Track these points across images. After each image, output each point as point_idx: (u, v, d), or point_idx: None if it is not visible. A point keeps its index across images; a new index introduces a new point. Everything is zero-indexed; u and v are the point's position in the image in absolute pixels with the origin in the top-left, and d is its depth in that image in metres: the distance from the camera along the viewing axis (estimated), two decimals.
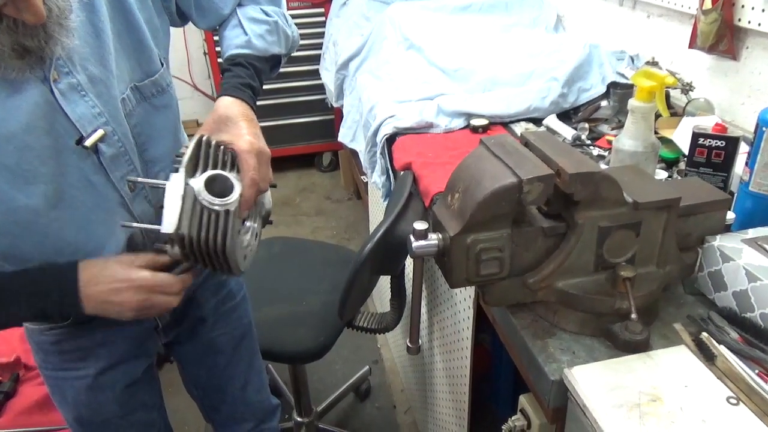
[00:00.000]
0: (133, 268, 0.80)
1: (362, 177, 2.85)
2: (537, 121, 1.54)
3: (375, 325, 1.43)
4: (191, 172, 0.80)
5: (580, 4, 2.02)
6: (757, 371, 0.70)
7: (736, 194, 0.98)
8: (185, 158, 0.79)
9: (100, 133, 0.78)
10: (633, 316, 0.76)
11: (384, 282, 1.90)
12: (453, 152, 1.40)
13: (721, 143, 1.02)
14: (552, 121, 1.51)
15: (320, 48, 2.83)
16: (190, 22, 1.00)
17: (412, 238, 0.79)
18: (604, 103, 1.56)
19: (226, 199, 0.80)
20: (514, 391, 1.40)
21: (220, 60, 0.88)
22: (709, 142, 1.03)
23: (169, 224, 0.77)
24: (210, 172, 0.81)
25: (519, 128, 1.51)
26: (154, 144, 0.89)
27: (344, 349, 2.25)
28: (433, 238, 0.79)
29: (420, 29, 1.94)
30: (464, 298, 1.18)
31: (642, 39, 1.71)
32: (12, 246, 0.78)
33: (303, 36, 0.97)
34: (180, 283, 0.84)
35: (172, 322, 1.05)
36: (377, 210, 2.12)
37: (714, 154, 1.03)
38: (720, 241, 0.84)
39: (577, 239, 0.78)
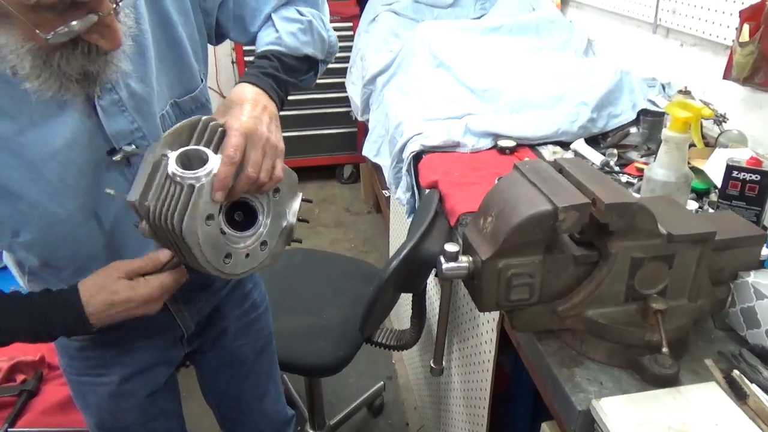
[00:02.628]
0: (135, 283, 0.79)
1: (384, 191, 2.86)
2: (565, 145, 1.53)
3: (394, 342, 1.43)
4: (172, 145, 0.74)
5: (611, 30, 2.02)
6: None
7: None
8: (169, 130, 0.75)
9: (130, 149, 0.79)
10: (664, 349, 0.75)
11: (403, 299, 1.90)
12: (479, 172, 1.40)
13: (756, 177, 1.01)
14: (580, 145, 1.51)
15: (347, 62, 2.86)
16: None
17: (442, 259, 0.80)
18: (633, 129, 1.56)
19: (193, 171, 0.71)
20: (533, 415, 1.38)
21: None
22: (744, 175, 1.02)
23: (134, 192, 0.73)
24: (188, 147, 0.74)
25: (546, 151, 1.51)
26: None
27: (359, 363, 2.24)
28: (464, 261, 0.79)
29: (449, 48, 1.95)
30: (487, 320, 1.17)
31: (674, 67, 1.70)
32: (50, 256, 0.80)
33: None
34: (157, 290, 0.80)
35: (197, 332, 1.06)
36: (399, 226, 2.12)
37: (748, 188, 1.02)
38: (754, 278, 0.83)
39: (609, 269, 0.78)
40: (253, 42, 0.99)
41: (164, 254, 0.81)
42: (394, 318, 2.36)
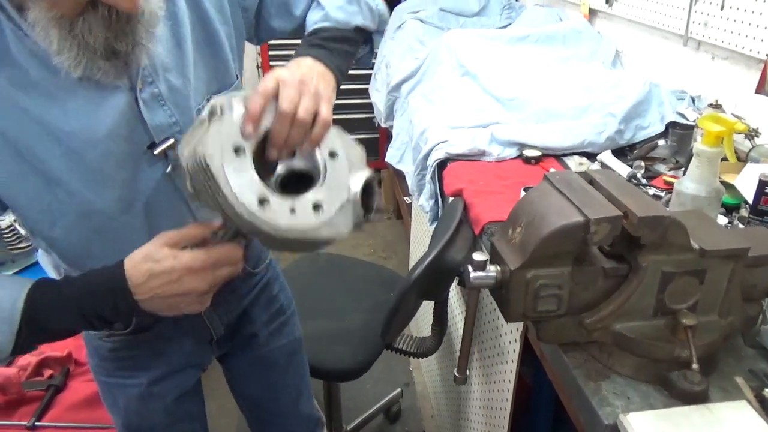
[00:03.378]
0: (175, 254, 0.71)
1: (405, 198, 2.87)
2: (591, 156, 1.52)
3: (414, 348, 1.43)
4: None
5: (640, 41, 2.00)
6: None
7: None
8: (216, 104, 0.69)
9: (171, 141, 0.80)
10: (695, 366, 0.74)
11: (430, 307, 1.89)
12: (505, 182, 1.40)
13: None
14: (607, 156, 1.50)
15: (371, 68, 2.88)
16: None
17: (470, 268, 0.80)
18: (661, 142, 1.54)
19: (218, 99, 0.68)
20: (553, 428, 1.37)
21: None
22: None
23: (182, 147, 0.69)
24: (223, 95, 0.71)
25: (572, 162, 1.50)
26: None
27: (376, 369, 2.22)
28: (492, 270, 0.79)
29: (476, 57, 1.95)
30: (510, 330, 1.17)
31: (704, 80, 1.68)
32: (83, 249, 0.81)
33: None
34: (200, 261, 0.71)
35: (227, 335, 1.07)
36: (420, 233, 2.12)
37: None
38: None
39: (639, 282, 0.77)
40: (300, 28, 0.98)
41: (214, 223, 0.75)
42: (413, 325, 2.36)
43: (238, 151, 0.66)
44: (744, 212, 1.19)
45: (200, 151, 0.63)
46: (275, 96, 0.70)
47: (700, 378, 0.75)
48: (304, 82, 0.71)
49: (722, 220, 1.17)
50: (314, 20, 0.92)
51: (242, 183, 0.64)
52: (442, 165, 1.53)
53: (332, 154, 0.74)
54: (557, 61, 2.01)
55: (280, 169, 0.73)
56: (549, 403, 1.33)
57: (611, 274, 0.79)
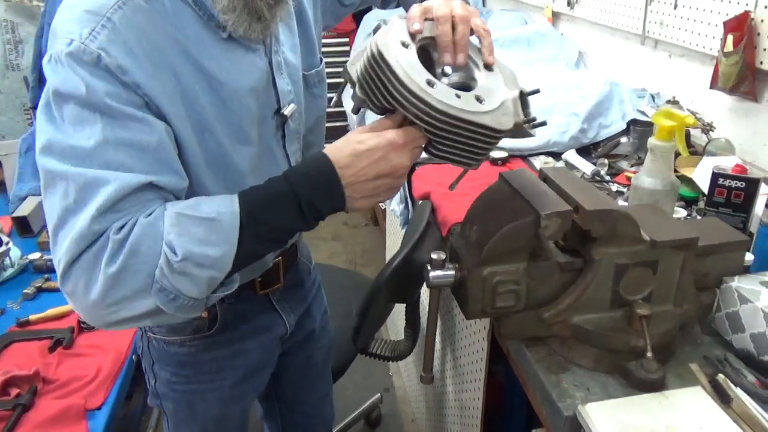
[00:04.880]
0: (377, 132, 0.71)
1: (380, 204, 2.88)
2: (556, 156, 1.55)
3: (389, 352, 1.44)
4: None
5: (601, 42, 2.05)
6: None
7: (755, 235, 0.98)
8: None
9: (293, 107, 0.85)
10: (648, 354, 0.75)
11: (398, 310, 1.90)
12: (472, 183, 1.41)
13: (741, 184, 1.02)
14: (571, 155, 1.52)
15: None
16: None
17: (428, 267, 0.81)
18: (624, 139, 1.57)
19: (378, 22, 0.74)
20: (527, 424, 1.38)
21: None
22: (729, 182, 1.03)
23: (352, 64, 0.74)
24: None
25: (538, 162, 1.53)
26: (309, 129, 0.95)
27: (356, 374, 2.24)
28: (450, 269, 0.80)
29: None
30: (479, 329, 1.18)
31: (663, 78, 1.73)
32: None
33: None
34: (402, 136, 0.70)
35: (293, 331, 1.07)
36: (394, 237, 2.13)
37: (734, 195, 1.03)
38: (738, 283, 0.84)
39: (594, 275, 0.79)
40: (390, 3, 1.07)
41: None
42: (391, 329, 2.36)
43: (404, 45, 0.70)
44: (702, 204, 1.22)
45: (373, 46, 0.68)
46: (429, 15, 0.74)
47: (657, 366, 0.77)
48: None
49: (682, 213, 1.20)
50: None
51: (411, 68, 0.68)
52: (411, 169, 1.54)
53: (488, 67, 0.77)
54: (522, 63, 2.05)
55: (444, 81, 0.75)
56: (522, 401, 1.34)
57: (567, 268, 0.80)
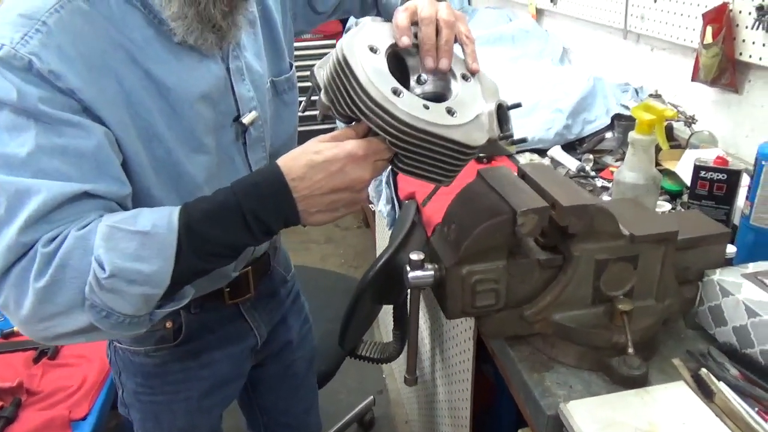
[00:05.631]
0: (336, 143, 0.67)
1: (370, 205, 2.87)
2: (542, 152, 1.54)
3: (378, 354, 1.42)
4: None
5: (585, 37, 2.05)
6: (756, 409, 0.69)
7: (738, 227, 0.98)
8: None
9: (254, 114, 0.83)
10: (630, 350, 0.75)
11: (388, 311, 1.89)
12: (457, 181, 1.41)
13: (723, 176, 1.02)
14: (556, 152, 1.52)
15: None
16: None
17: (408, 268, 0.80)
18: (608, 134, 1.57)
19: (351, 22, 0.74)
20: (517, 423, 1.38)
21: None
22: (711, 174, 1.03)
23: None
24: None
25: (523, 158, 1.52)
26: (277, 137, 0.92)
27: (349, 378, 2.23)
28: (429, 269, 0.79)
29: None
30: (465, 329, 1.17)
31: (646, 72, 1.73)
32: None
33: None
34: (363, 148, 0.67)
35: (267, 342, 1.06)
36: (383, 238, 2.12)
37: (716, 187, 1.03)
38: (720, 275, 0.83)
39: (574, 271, 0.78)
40: (344, 11, 1.06)
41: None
42: (383, 331, 2.35)
43: (372, 50, 0.67)
44: (686, 197, 1.22)
45: (338, 49, 0.66)
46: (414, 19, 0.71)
47: (639, 362, 0.76)
48: (443, 5, 0.73)
49: (666, 206, 1.19)
50: None
51: (377, 75, 0.64)
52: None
53: (465, 77, 0.73)
54: (507, 60, 2.04)
55: (417, 91, 0.71)
56: (511, 400, 1.34)
57: (546, 265, 0.79)
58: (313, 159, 0.66)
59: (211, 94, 0.77)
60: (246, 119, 0.82)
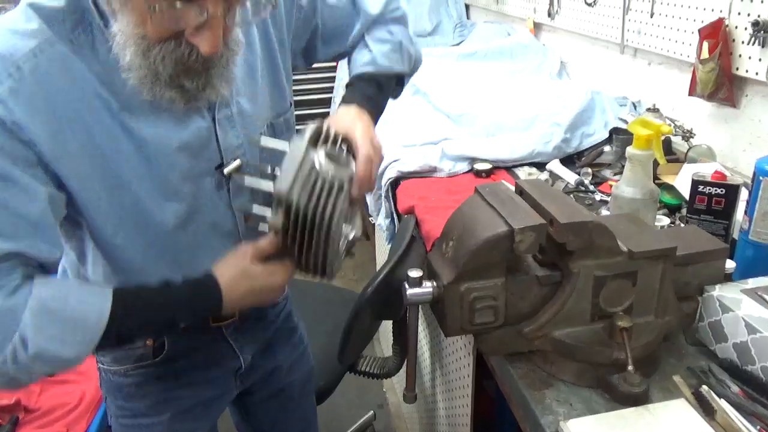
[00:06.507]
0: (272, 268, 0.79)
1: (370, 218, 2.87)
2: (540, 166, 1.55)
3: (377, 370, 1.41)
4: (313, 142, 0.77)
5: (582, 51, 2.06)
6: (758, 427, 0.68)
7: (737, 242, 0.98)
8: (309, 129, 0.78)
9: (237, 163, 0.82)
10: (630, 367, 0.74)
11: (390, 325, 1.88)
12: (456, 196, 1.41)
13: (721, 191, 1.02)
14: (555, 165, 1.52)
15: (332, 91, 2.90)
16: None
17: (406, 285, 0.80)
18: (607, 148, 1.57)
19: (342, 170, 0.76)
20: None
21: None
22: (709, 189, 1.03)
23: (284, 183, 0.73)
24: (330, 147, 0.78)
25: (522, 173, 1.52)
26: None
27: (349, 392, 2.22)
28: (428, 286, 0.79)
29: (426, 75, 1.98)
30: (464, 344, 1.16)
31: (643, 86, 1.73)
32: (139, 263, 0.79)
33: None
34: (287, 276, 0.81)
35: (251, 368, 1.04)
36: (383, 252, 2.12)
37: (714, 202, 1.03)
38: (719, 291, 0.83)
39: (573, 288, 0.78)
40: (340, 58, 1.06)
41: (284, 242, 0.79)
42: (384, 346, 2.34)
43: (345, 218, 0.78)
44: (685, 212, 1.22)
45: (323, 214, 0.74)
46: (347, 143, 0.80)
47: (640, 379, 0.75)
48: (380, 148, 0.84)
49: (664, 220, 1.19)
50: (362, 62, 0.98)
51: (340, 252, 0.80)
52: (395, 183, 1.54)
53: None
54: (506, 74, 2.05)
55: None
56: (512, 416, 1.33)
57: (545, 281, 0.79)
58: (252, 285, 0.78)
59: (192, 144, 0.76)
60: (227, 169, 0.81)
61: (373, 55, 0.98)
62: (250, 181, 0.81)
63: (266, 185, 0.79)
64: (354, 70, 0.99)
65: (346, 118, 0.85)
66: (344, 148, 0.80)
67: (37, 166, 0.65)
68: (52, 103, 0.65)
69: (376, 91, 0.95)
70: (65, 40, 0.66)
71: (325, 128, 0.79)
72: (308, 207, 0.73)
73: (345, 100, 0.91)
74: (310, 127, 0.78)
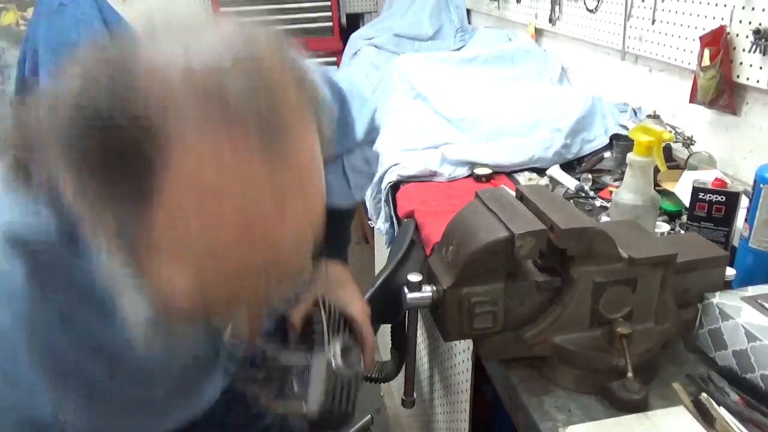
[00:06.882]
0: None
1: (369, 222, 2.87)
2: (540, 171, 1.55)
3: (375, 374, 1.41)
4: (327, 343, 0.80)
5: (583, 58, 2.06)
6: None
7: (737, 249, 0.97)
8: (325, 336, 0.79)
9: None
10: (629, 374, 0.74)
11: (388, 329, 1.88)
12: (456, 201, 1.41)
13: (722, 198, 1.02)
14: (555, 171, 1.52)
15: None
16: None
17: (405, 289, 0.80)
18: (607, 154, 1.57)
19: (355, 367, 0.79)
20: None
21: None
22: (709, 196, 1.03)
23: (315, 403, 0.74)
24: (341, 343, 0.79)
25: (522, 178, 1.53)
26: None
27: None
28: (427, 290, 0.79)
29: (427, 80, 1.98)
30: (463, 349, 1.16)
31: (644, 92, 1.74)
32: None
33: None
34: None
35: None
36: (382, 256, 2.12)
37: (714, 209, 1.03)
38: (719, 299, 0.83)
39: (572, 294, 0.78)
40: None
41: None
42: (382, 350, 2.34)
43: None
44: (685, 219, 1.22)
45: (346, 408, 0.76)
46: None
47: (639, 386, 0.75)
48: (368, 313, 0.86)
49: (665, 227, 1.19)
50: (341, 195, 0.92)
51: None
52: (395, 187, 1.54)
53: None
54: (506, 80, 2.06)
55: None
56: (510, 421, 1.32)
57: (545, 287, 0.79)
58: None
59: (191, 360, 0.70)
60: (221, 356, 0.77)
61: (351, 190, 0.93)
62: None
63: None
64: (332, 197, 0.90)
65: (339, 290, 0.85)
66: (341, 322, 0.84)
67: None
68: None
69: (348, 232, 0.98)
70: None
71: (327, 312, 0.81)
72: (332, 408, 0.75)
73: (333, 253, 0.87)
74: (324, 332, 0.79)
